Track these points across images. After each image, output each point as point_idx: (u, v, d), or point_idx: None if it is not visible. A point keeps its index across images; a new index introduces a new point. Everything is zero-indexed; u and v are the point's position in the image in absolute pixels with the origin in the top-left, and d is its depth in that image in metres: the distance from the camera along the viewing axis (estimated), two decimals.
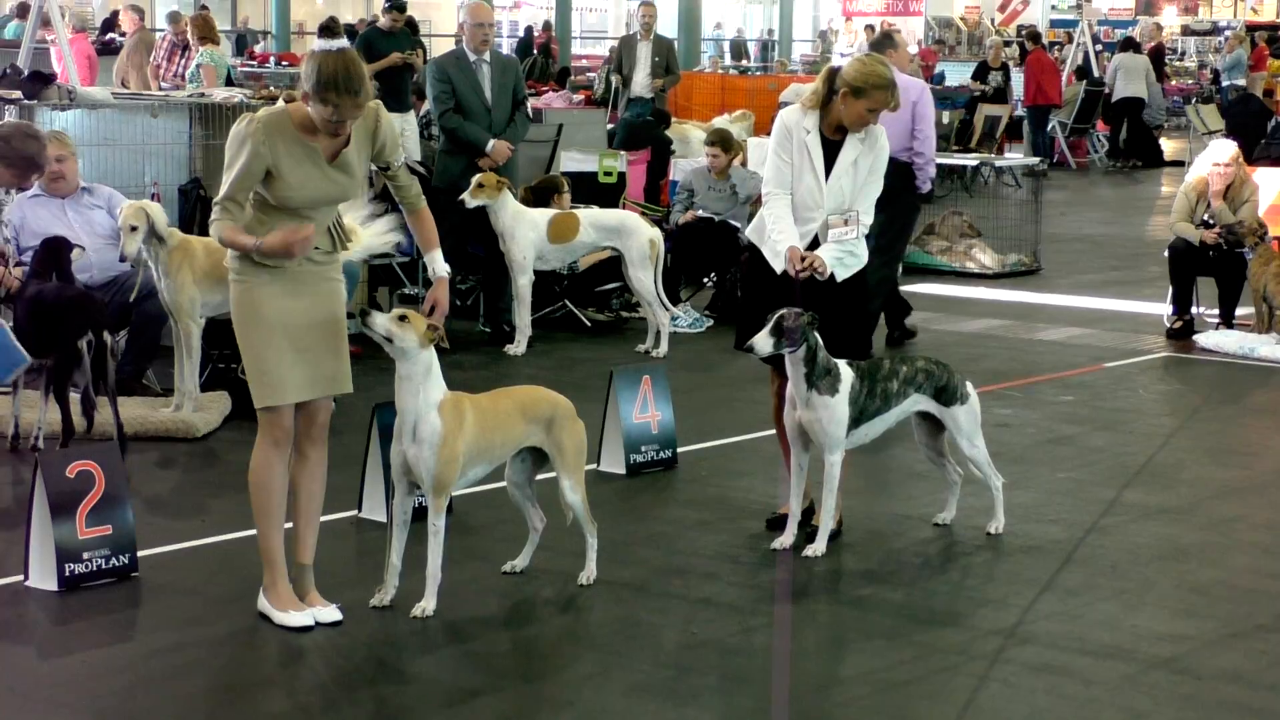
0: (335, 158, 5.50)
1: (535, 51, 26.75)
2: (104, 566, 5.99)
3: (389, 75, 13.72)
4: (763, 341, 6.34)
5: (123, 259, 8.27)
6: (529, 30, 30.30)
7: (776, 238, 6.59)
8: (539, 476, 6.18)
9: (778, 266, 6.62)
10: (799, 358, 6.39)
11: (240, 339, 5.61)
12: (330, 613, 5.68)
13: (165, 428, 8.13)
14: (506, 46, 32.05)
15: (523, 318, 10.49)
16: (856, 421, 6.55)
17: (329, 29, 5.40)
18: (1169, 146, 27.59)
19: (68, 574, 5.89)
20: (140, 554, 6.13)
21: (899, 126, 9.92)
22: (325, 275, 5.66)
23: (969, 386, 6.81)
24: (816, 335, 6.38)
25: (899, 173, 9.82)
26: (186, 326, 8.32)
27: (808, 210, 6.66)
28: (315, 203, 5.53)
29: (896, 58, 10.27)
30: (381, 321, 5.47)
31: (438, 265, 5.72)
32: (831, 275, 6.63)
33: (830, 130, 6.65)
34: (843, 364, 6.53)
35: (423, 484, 5.65)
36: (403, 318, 5.49)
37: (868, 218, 6.73)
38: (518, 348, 10.43)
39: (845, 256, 6.68)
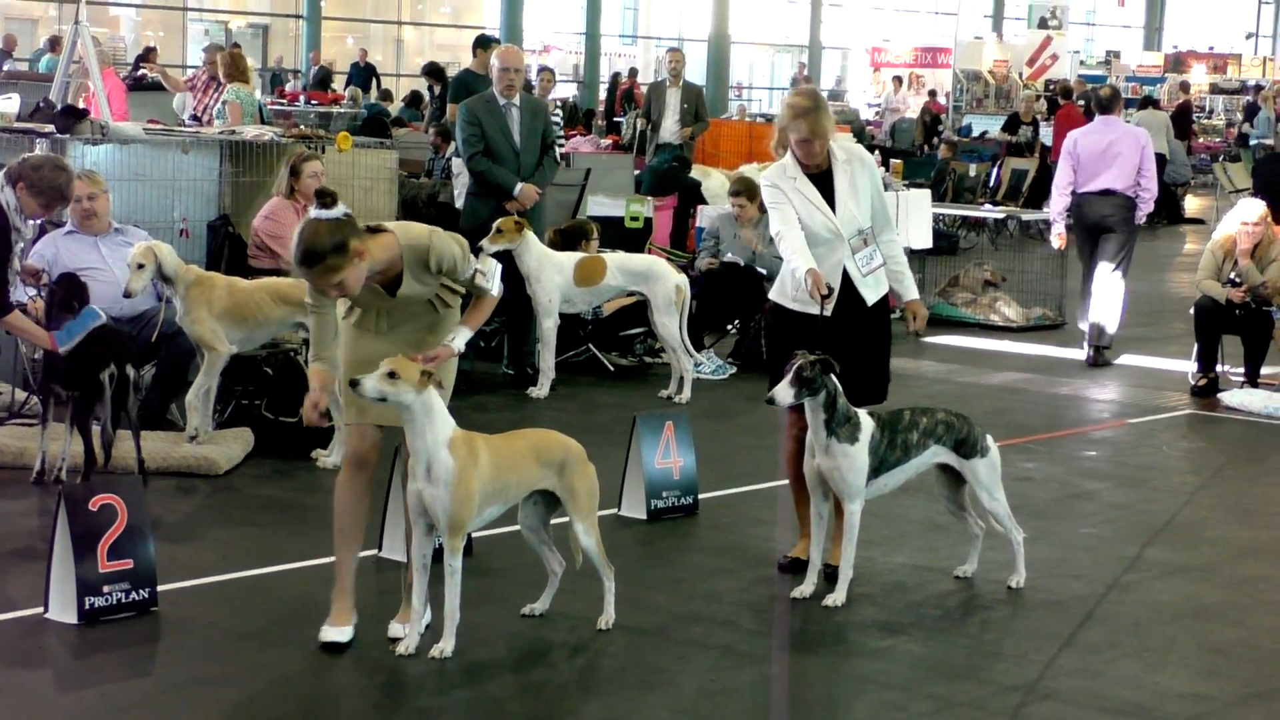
0: (394, 291, 5.72)
1: (619, 97, 27.00)
2: (124, 600, 6.00)
3: None
4: (784, 392, 6.37)
5: (126, 295, 8.35)
6: (615, 76, 30.51)
7: (795, 264, 6.69)
8: (553, 521, 6.17)
9: (799, 307, 6.71)
10: (819, 404, 6.40)
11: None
12: (401, 628, 5.85)
13: (188, 463, 8.15)
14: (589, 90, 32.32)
15: (546, 360, 10.50)
16: (876, 471, 6.56)
17: (324, 196, 5.52)
18: (1194, 204, 27.57)
19: (88, 607, 5.91)
20: (160, 588, 6.14)
21: (1128, 167, 12.37)
22: (423, 329, 5.89)
23: (989, 440, 6.79)
24: (835, 381, 6.41)
25: (1125, 205, 12.40)
26: (215, 351, 8.37)
27: (827, 244, 6.78)
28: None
29: (1120, 108, 13.26)
30: (371, 385, 5.48)
31: (458, 338, 5.83)
32: (862, 301, 6.83)
33: (812, 168, 6.83)
34: (863, 413, 6.54)
35: (438, 524, 5.65)
36: (391, 374, 5.51)
37: (893, 235, 7.04)
38: (541, 390, 10.44)
39: (871, 279, 6.87)
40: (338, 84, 31.73)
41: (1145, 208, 12.61)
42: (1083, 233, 12.76)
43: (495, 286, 5.85)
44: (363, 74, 30.08)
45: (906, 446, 6.63)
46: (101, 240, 8.90)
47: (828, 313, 6.67)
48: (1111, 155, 12.47)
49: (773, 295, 7.02)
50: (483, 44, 14.51)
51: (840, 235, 6.78)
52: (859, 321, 6.85)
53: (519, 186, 10.69)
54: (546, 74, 16.77)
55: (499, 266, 5.91)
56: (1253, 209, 11.33)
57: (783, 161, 6.89)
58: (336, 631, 5.82)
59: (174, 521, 7.38)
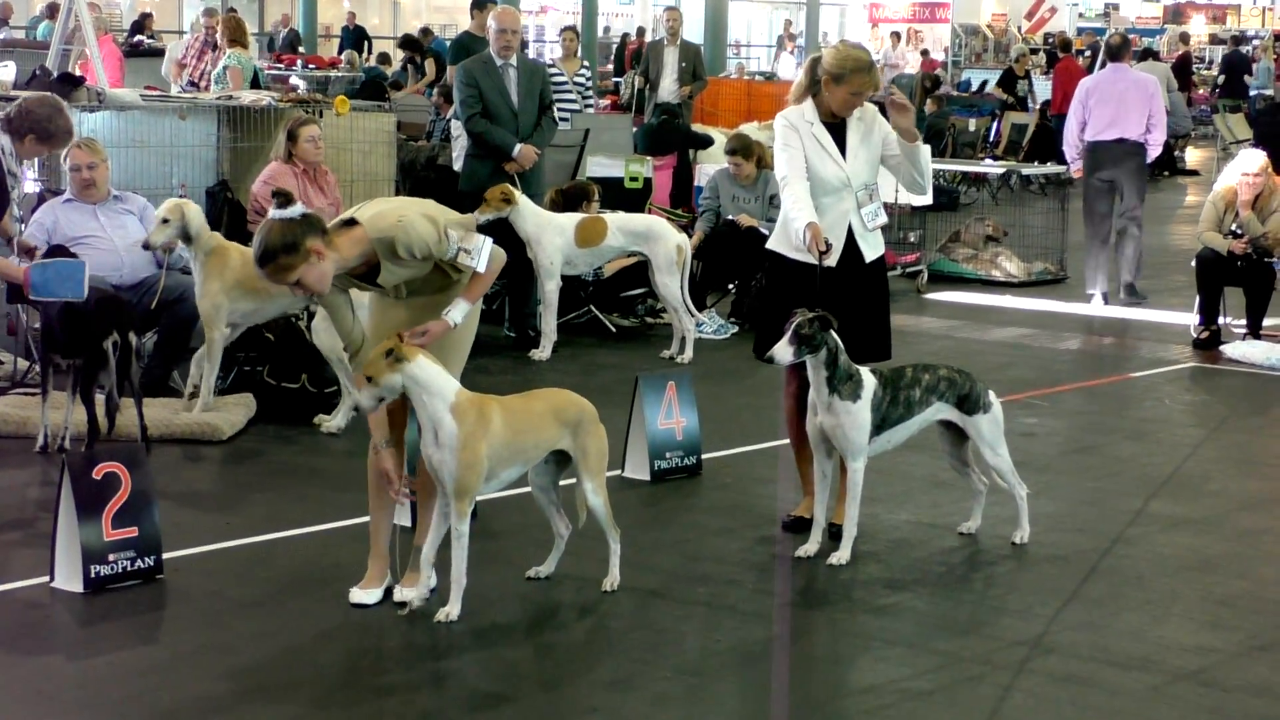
0: (373, 281, 5.72)
1: (628, 57, 26.93)
2: (129, 568, 6.01)
3: None
4: (783, 351, 6.36)
5: (146, 246, 8.35)
6: (624, 37, 30.41)
7: (794, 216, 6.67)
8: (562, 482, 6.18)
9: (799, 255, 6.70)
10: (820, 361, 6.40)
11: None
12: (407, 592, 5.86)
13: (190, 430, 8.15)
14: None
15: (548, 323, 10.50)
16: (879, 429, 6.55)
17: (280, 195, 5.57)
18: (1194, 156, 27.50)
19: (93, 575, 5.91)
20: (165, 556, 6.15)
21: (1138, 114, 12.90)
22: (446, 292, 5.88)
23: (991, 395, 6.79)
24: (835, 337, 6.40)
25: (1136, 151, 13.00)
26: (210, 334, 8.36)
27: (836, 193, 6.80)
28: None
29: (1130, 56, 13.96)
30: (366, 399, 5.59)
31: (454, 312, 5.80)
32: (860, 256, 6.85)
33: (828, 115, 6.84)
34: (865, 370, 6.54)
35: (445, 488, 5.66)
36: (369, 379, 5.55)
37: (927, 183, 7.16)
38: (543, 353, 10.43)
39: (872, 236, 6.91)
40: (320, 49, 31.65)
41: (1154, 151, 13.27)
42: (1093, 181, 13.21)
43: (483, 262, 5.76)
44: (353, 37, 29.90)
45: (909, 403, 6.63)
46: (100, 208, 8.88)
47: (831, 262, 6.66)
48: (1122, 103, 13.00)
49: (772, 244, 6.99)
50: (480, 5, 14.47)
51: (850, 185, 6.79)
52: (857, 277, 6.84)
53: (517, 147, 10.66)
54: (570, 34, 16.60)
55: (487, 241, 5.80)
56: (1253, 160, 11.31)
57: (802, 106, 6.86)
58: (364, 594, 5.90)
59: (178, 489, 7.38)
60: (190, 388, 8.47)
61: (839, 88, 6.74)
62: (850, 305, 6.70)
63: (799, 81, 6.96)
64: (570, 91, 15.08)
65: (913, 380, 6.66)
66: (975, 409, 6.72)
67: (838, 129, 6.84)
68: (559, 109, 12.73)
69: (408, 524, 6.34)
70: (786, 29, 40.66)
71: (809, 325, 6.33)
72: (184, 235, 8.31)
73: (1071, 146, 13.34)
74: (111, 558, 5.96)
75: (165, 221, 8.27)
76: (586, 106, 15.56)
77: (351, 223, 5.65)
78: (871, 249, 6.92)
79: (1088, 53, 27.59)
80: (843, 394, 6.44)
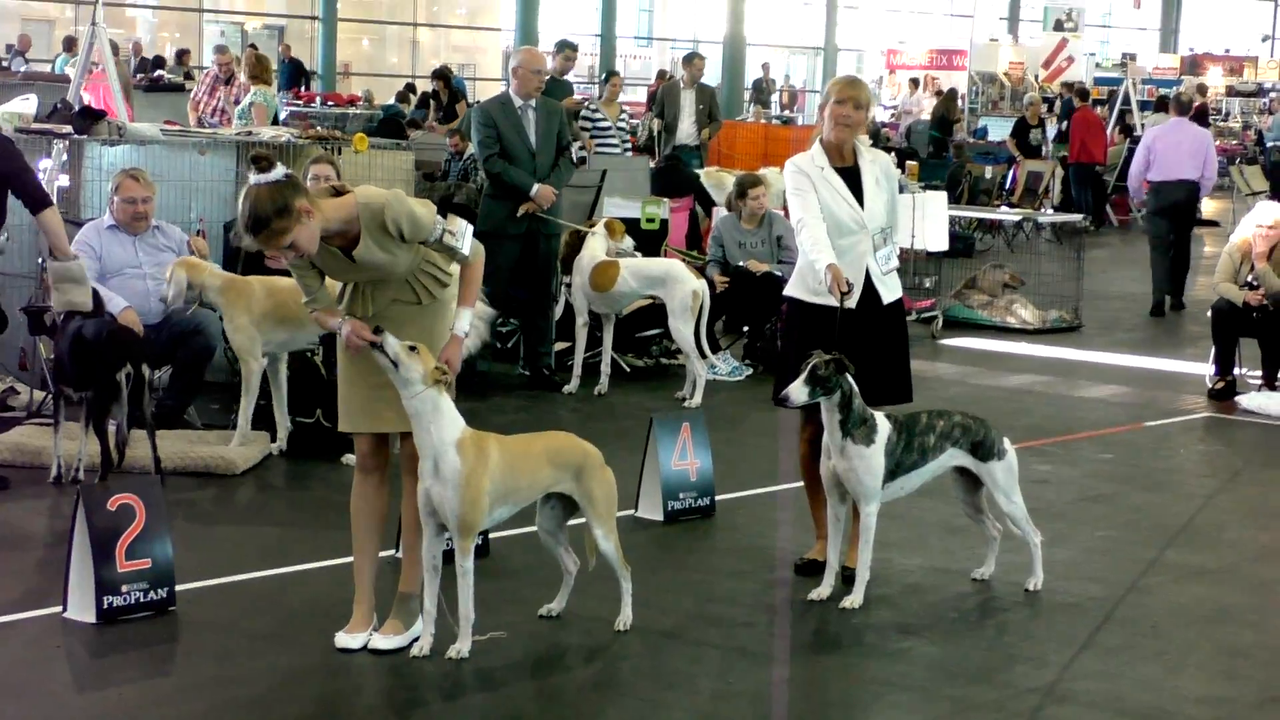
0: (351, 254, 5.63)
1: (649, 99, 27.03)
2: (142, 600, 6.01)
3: None
4: (797, 391, 6.36)
5: (163, 301, 8.50)
6: (661, 75, 30.54)
7: (814, 257, 6.68)
8: (570, 522, 6.16)
9: (818, 299, 6.70)
10: (833, 404, 6.39)
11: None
12: (384, 640, 5.80)
13: (205, 463, 8.16)
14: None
15: (576, 357, 10.71)
16: (893, 474, 6.55)
17: (260, 160, 5.57)
18: (1210, 206, 27.45)
19: (106, 606, 5.92)
20: (178, 588, 6.15)
21: (1197, 160, 15.42)
22: (412, 320, 5.76)
23: (1006, 443, 6.78)
24: (850, 381, 6.40)
25: (1194, 190, 15.70)
26: (246, 365, 8.42)
27: (852, 235, 6.81)
28: (356, 281, 5.80)
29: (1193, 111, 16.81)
30: (393, 344, 5.51)
31: (459, 323, 5.77)
32: (878, 298, 6.85)
33: (839, 161, 6.86)
34: (880, 415, 6.53)
35: (448, 524, 5.64)
36: (413, 348, 5.53)
37: (896, 235, 7.13)
38: (572, 385, 10.63)
39: (889, 279, 6.92)
40: (339, 86, 31.60)
41: (1206, 190, 16.20)
42: (1158, 213, 15.75)
43: (467, 245, 5.72)
44: (289, 70, 29.22)
45: (923, 449, 6.62)
46: (140, 240, 8.95)
47: (851, 304, 6.66)
48: (1184, 151, 15.47)
49: (789, 290, 7.01)
50: (561, 48, 14.94)
51: (865, 228, 6.80)
52: (875, 320, 6.85)
53: (535, 187, 10.68)
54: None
55: (469, 226, 5.77)
56: (1269, 212, 11.31)
57: (810, 152, 6.89)
58: (349, 638, 5.83)
59: (192, 522, 7.38)
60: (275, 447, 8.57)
61: (831, 108, 6.84)
62: (870, 348, 6.70)
63: (816, 127, 7.04)
64: (613, 136, 15.15)
65: (927, 426, 6.65)
66: (990, 456, 6.71)
67: (851, 174, 6.87)
68: (599, 151, 12.77)
69: (395, 552, 6.32)
70: (766, 73, 40.51)
71: (825, 367, 6.33)
72: (190, 287, 8.44)
73: (1136, 179, 15.92)
74: (125, 589, 5.96)
75: (170, 281, 8.42)
76: (610, 149, 15.56)
77: (341, 191, 5.67)
78: (889, 291, 6.93)
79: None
80: (856, 438, 6.44)
